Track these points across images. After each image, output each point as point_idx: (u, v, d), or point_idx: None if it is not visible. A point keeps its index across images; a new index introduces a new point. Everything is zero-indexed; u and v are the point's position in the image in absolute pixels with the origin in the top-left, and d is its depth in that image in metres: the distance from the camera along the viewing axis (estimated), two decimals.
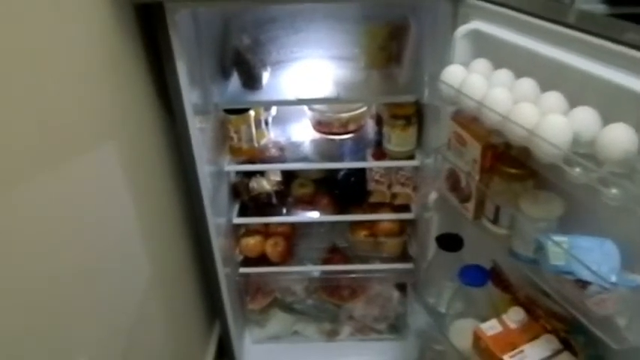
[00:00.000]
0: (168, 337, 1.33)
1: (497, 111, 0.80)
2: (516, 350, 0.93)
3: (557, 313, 0.95)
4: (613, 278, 0.73)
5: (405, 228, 1.60)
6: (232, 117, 1.39)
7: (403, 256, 1.61)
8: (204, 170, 1.31)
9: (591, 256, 0.76)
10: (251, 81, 1.36)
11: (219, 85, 1.38)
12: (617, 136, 0.68)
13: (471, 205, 0.97)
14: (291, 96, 1.34)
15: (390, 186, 1.53)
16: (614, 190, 0.66)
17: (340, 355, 1.69)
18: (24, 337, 0.71)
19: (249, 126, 1.42)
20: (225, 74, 1.40)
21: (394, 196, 1.54)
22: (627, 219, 0.71)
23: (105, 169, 0.99)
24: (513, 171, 0.86)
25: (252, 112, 1.41)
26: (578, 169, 0.70)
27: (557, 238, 0.79)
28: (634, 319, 0.72)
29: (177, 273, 1.42)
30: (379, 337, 1.72)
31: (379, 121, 1.49)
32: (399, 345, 1.70)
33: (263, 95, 1.37)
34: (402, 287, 1.66)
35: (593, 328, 0.75)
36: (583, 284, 0.76)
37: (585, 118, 0.73)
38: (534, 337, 0.95)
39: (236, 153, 1.45)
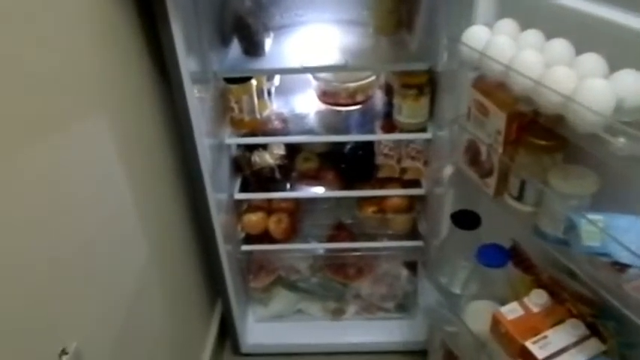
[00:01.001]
0: (168, 317, 1.27)
1: (528, 75, 0.71)
2: (539, 336, 0.87)
3: (584, 297, 0.89)
4: None
5: (414, 204, 1.53)
6: (233, 86, 1.30)
7: (412, 234, 1.54)
8: (203, 143, 1.24)
9: (629, 236, 0.69)
10: (252, 48, 1.27)
11: (218, 52, 1.29)
12: None
13: (492, 181, 0.89)
14: (295, 64, 1.25)
15: (399, 160, 1.45)
16: None
17: (346, 334, 1.64)
18: (5, 318, 0.65)
19: (251, 96, 1.33)
20: (224, 40, 1.31)
21: (404, 170, 1.46)
22: None
23: (94, 139, 0.91)
24: (542, 142, 0.78)
25: (253, 82, 1.33)
26: (622, 139, 0.62)
27: (592, 216, 0.72)
28: None
29: (177, 251, 1.35)
30: (386, 316, 1.67)
31: (389, 92, 1.41)
32: (407, 324, 1.65)
33: (265, 63, 1.28)
34: (410, 265, 1.60)
35: (631, 315, 0.68)
36: (621, 267, 0.69)
37: (629, 82, 0.65)
38: (558, 322, 0.88)
39: (237, 125, 1.37)
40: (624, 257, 0.68)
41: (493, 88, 0.83)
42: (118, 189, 1.00)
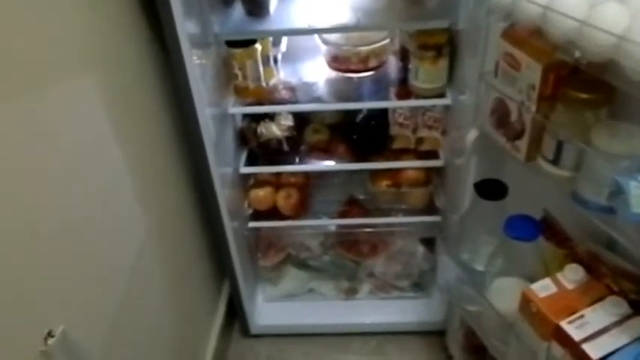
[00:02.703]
0: (170, 297, 1.21)
1: (572, 16, 0.61)
2: (575, 315, 0.79)
3: (627, 271, 0.80)
4: None
5: (431, 177, 1.43)
6: (236, 51, 1.21)
7: (429, 209, 1.45)
8: (205, 113, 1.15)
9: None
10: (256, 8, 1.18)
11: (219, 13, 1.19)
12: None
13: (523, 143, 0.80)
14: (302, 24, 1.15)
15: (415, 130, 1.35)
16: None
17: (359, 313, 1.57)
18: None
19: (256, 61, 1.24)
20: (226, 1, 1.22)
21: (420, 141, 1.37)
22: None
23: (81, 101, 0.83)
24: (585, 96, 0.68)
25: (258, 46, 1.23)
26: None
27: None
28: None
29: (179, 227, 1.28)
30: (401, 295, 1.59)
31: (404, 57, 1.30)
32: (424, 303, 1.57)
33: (270, 24, 1.18)
34: (427, 242, 1.51)
35: None
36: None
37: None
38: (596, 300, 0.80)
39: (241, 93, 1.28)
40: None
41: (527, 36, 0.73)
42: (109, 156, 0.92)
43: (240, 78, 1.25)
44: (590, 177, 0.69)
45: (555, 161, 0.74)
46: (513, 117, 0.79)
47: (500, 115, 0.82)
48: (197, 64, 1.11)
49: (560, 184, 0.75)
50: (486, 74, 0.84)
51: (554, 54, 0.70)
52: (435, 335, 1.52)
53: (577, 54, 0.65)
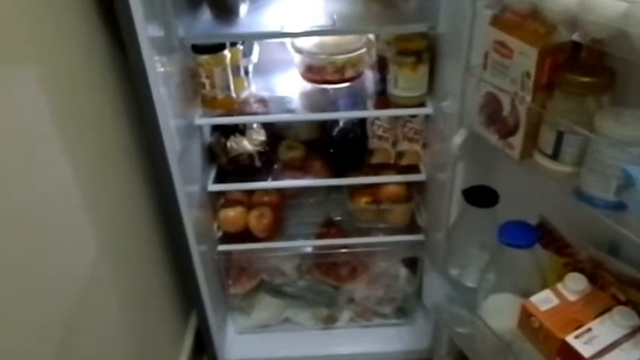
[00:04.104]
0: (127, 331, 1.07)
1: None
2: (582, 329, 0.70)
3: (634, 279, 0.73)
4: None
5: (412, 193, 1.36)
6: (203, 57, 1.13)
7: (411, 227, 1.37)
8: (168, 124, 1.06)
9: None
10: (224, 11, 1.12)
11: (185, 16, 1.12)
12: None
13: (517, 140, 0.73)
14: (274, 28, 1.09)
15: (395, 143, 1.29)
16: None
17: (339, 344, 1.46)
18: None
19: (225, 70, 1.16)
20: (193, 3, 1.14)
21: (400, 155, 1.30)
22: None
23: (23, 100, 0.73)
24: (585, 79, 0.62)
25: (227, 53, 1.16)
26: None
27: None
28: None
29: (138, 251, 1.16)
30: (384, 323, 1.49)
31: (382, 67, 1.25)
32: (408, 330, 1.47)
33: (239, 28, 1.11)
34: (410, 263, 1.43)
35: None
36: None
37: None
38: (603, 311, 0.72)
39: (209, 104, 1.20)
40: None
41: (519, 21, 0.68)
42: (52, 164, 0.81)
43: (207, 87, 1.17)
44: (595, 170, 0.62)
45: (555, 155, 0.68)
46: (505, 111, 0.73)
47: (491, 111, 0.76)
48: (160, 71, 1.02)
49: (561, 181, 0.68)
50: (474, 68, 0.78)
51: (550, 37, 0.64)
52: None
53: (577, 35, 0.59)
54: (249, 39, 1.21)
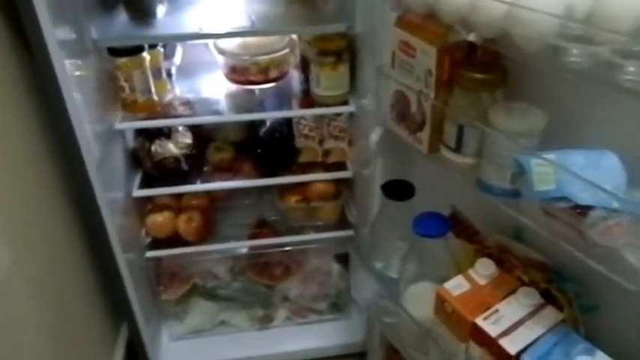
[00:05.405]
0: (49, 348, 1.02)
1: None
2: (490, 310, 0.75)
3: (536, 261, 0.78)
4: (619, 196, 0.56)
5: (341, 190, 1.39)
6: (121, 60, 1.10)
7: (341, 223, 1.40)
8: (85, 130, 1.02)
9: (588, 173, 0.58)
10: (140, 12, 1.09)
11: (98, 18, 1.08)
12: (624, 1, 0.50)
13: (424, 135, 0.76)
14: (192, 29, 1.07)
15: (321, 141, 1.31)
16: (631, 68, 0.47)
17: (276, 343, 1.46)
18: None
19: (144, 72, 1.14)
20: (107, 5, 1.11)
21: (327, 153, 1.33)
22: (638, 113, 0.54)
23: None
24: (480, 76, 0.67)
25: (146, 55, 1.13)
26: (575, 51, 0.51)
27: (543, 155, 0.60)
28: None
29: (59, 261, 1.11)
30: (320, 319, 1.51)
31: (305, 67, 1.27)
32: (343, 325, 1.50)
33: (157, 30, 1.09)
34: (342, 259, 1.45)
35: (597, 266, 0.57)
36: (582, 210, 0.57)
37: None
38: (510, 293, 0.77)
39: (130, 107, 1.17)
40: (585, 198, 0.57)
41: (420, 22, 0.71)
42: None
43: (127, 90, 1.14)
44: (492, 160, 0.67)
45: (457, 149, 0.72)
46: (413, 108, 0.76)
47: (401, 108, 0.79)
48: (73, 75, 0.99)
49: (465, 172, 0.72)
50: (383, 66, 0.81)
51: (448, 36, 0.68)
52: (356, 357, 1.45)
53: (473, 35, 0.63)
54: (165, 41, 1.19)
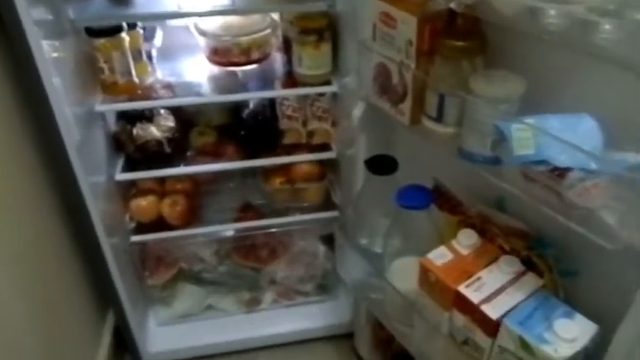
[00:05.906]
0: (35, 336, 1.01)
1: None
2: (472, 278, 0.76)
3: (516, 229, 0.80)
4: (597, 156, 0.57)
5: (325, 172, 1.39)
6: (99, 41, 1.08)
7: (326, 205, 1.40)
8: (64, 112, 1.01)
9: (566, 136, 0.59)
10: None
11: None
12: None
13: (406, 106, 0.77)
14: (171, 8, 1.06)
15: (305, 122, 1.31)
16: (607, 26, 0.48)
17: (264, 325, 1.47)
18: None
19: (124, 53, 1.12)
20: None
21: (311, 134, 1.32)
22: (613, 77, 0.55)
23: None
24: (460, 44, 0.67)
25: (125, 36, 1.12)
26: (552, 11, 0.52)
27: (522, 120, 0.61)
28: (628, 209, 0.55)
29: (42, 247, 1.10)
30: (307, 301, 1.51)
31: (287, 48, 1.26)
32: (330, 306, 1.51)
33: (134, 9, 1.08)
34: (328, 240, 1.46)
35: (576, 227, 0.58)
36: (560, 172, 0.59)
37: None
38: (491, 261, 0.78)
39: (110, 90, 1.15)
40: (563, 160, 0.58)
41: None
42: None
43: (106, 72, 1.12)
44: (472, 128, 0.67)
45: (439, 118, 0.72)
46: (395, 79, 0.76)
47: (383, 81, 0.79)
48: (51, 57, 0.97)
49: (446, 142, 0.73)
50: (365, 39, 0.81)
51: (427, 5, 0.68)
52: (344, 338, 1.46)
53: (452, 2, 0.64)
54: (143, 20, 1.16)
